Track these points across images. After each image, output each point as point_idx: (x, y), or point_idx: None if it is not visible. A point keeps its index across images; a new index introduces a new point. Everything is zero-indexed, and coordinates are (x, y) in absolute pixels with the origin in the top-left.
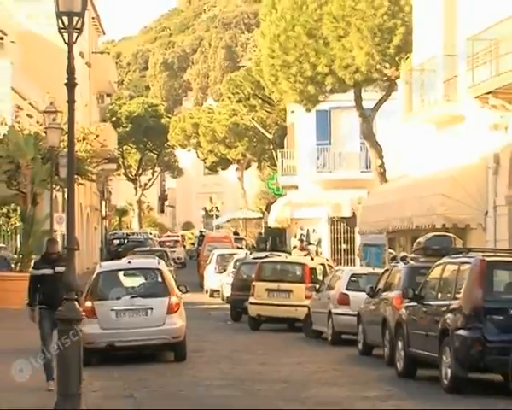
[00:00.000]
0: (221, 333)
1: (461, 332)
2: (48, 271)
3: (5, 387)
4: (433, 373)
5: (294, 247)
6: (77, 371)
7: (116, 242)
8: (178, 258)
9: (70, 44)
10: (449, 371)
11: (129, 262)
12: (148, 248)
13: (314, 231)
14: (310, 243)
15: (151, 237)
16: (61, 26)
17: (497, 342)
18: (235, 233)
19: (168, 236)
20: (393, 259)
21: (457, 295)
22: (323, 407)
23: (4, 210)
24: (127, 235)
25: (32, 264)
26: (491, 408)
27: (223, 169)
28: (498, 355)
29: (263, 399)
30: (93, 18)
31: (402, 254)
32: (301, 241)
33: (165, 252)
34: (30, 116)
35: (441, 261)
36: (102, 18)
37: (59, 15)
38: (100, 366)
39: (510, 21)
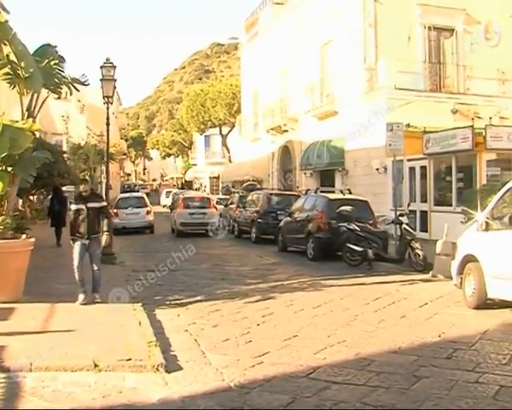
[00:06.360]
0: (166, 222)
1: (258, 220)
2: (81, 206)
3: None
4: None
5: (196, 189)
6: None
7: (126, 186)
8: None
9: (107, 108)
10: (254, 235)
11: (131, 193)
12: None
13: (204, 183)
14: (201, 187)
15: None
16: (104, 100)
17: (271, 225)
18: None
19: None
20: (233, 192)
21: (258, 206)
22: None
23: (83, 173)
24: (130, 184)
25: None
26: None
27: (168, 157)
28: (273, 228)
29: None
30: (117, 98)
31: (237, 190)
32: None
33: (146, 186)
34: (92, 137)
35: (252, 193)
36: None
37: (103, 96)
38: (120, 236)
39: (277, 100)
